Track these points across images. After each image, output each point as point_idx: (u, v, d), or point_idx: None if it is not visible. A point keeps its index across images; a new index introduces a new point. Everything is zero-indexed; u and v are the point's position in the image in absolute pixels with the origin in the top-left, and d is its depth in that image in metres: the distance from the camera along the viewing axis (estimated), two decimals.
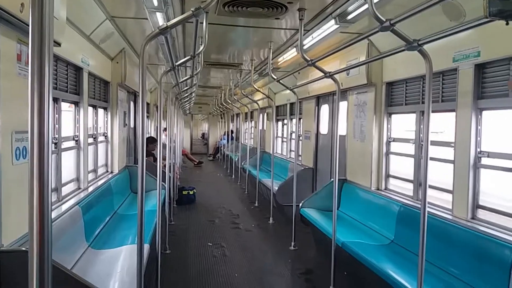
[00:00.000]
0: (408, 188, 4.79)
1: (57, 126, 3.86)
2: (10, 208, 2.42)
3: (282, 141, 10.65)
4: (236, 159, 13.23)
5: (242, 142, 15.27)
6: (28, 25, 2.30)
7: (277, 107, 10.71)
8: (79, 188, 4.60)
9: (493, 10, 1.80)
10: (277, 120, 10.90)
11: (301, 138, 8.30)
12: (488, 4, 1.77)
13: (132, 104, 7.48)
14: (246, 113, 15.58)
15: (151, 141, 8.09)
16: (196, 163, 16.65)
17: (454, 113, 3.78)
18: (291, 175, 7.81)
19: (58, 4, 2.77)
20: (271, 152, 7.88)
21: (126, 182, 6.56)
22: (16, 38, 2.47)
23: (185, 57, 6.08)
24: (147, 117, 10.00)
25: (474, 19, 2.32)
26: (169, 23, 2.35)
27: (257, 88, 7.58)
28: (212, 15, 4.17)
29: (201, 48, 3.79)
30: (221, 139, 20.27)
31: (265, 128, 12.30)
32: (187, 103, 13.94)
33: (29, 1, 0.88)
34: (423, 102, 4.40)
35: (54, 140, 3.75)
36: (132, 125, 7.58)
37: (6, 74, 2.35)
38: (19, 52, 2.51)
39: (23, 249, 2.38)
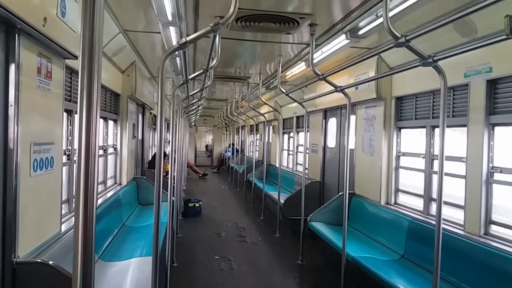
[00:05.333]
0: (415, 204, 4.78)
1: (70, 138, 3.88)
2: (26, 220, 2.43)
3: (288, 154, 10.64)
4: (241, 171, 13.23)
5: (247, 155, 15.28)
6: (50, 40, 2.34)
7: (283, 120, 10.75)
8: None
9: None
10: (284, 133, 10.93)
11: (308, 151, 8.30)
12: (509, 22, 1.79)
13: (140, 116, 7.53)
14: (251, 126, 15.63)
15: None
16: (200, 175, 16.65)
17: (460, 128, 3.80)
18: (297, 188, 7.81)
19: (75, 18, 2.81)
20: (277, 165, 7.87)
21: (134, 194, 6.57)
22: (37, 52, 2.51)
23: (194, 70, 6.15)
24: (154, 129, 10.05)
25: (488, 36, 2.35)
26: (188, 38, 2.39)
27: (264, 101, 7.62)
28: (223, 30, 4.22)
29: (214, 62, 3.84)
30: (225, 151, 20.28)
31: (271, 141, 12.32)
32: (193, 115, 14.01)
33: (80, 32, 0.92)
34: (433, 117, 4.41)
35: (67, 152, 3.77)
36: (140, 137, 7.62)
37: (26, 87, 2.38)
38: (39, 65, 2.55)
39: (39, 260, 2.38)
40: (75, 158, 4.06)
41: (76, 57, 2.93)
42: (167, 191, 4.57)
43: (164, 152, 8.73)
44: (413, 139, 5.08)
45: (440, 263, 2.75)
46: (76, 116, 0.97)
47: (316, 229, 5.60)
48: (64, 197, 3.51)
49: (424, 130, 4.61)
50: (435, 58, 2.62)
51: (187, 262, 5.65)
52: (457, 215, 3.97)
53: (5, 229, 2.26)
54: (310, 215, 5.89)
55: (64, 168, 3.31)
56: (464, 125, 3.77)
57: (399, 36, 2.60)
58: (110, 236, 4.65)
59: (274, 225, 7.46)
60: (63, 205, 3.25)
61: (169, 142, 10.05)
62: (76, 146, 4.07)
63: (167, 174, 7.91)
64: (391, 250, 4.65)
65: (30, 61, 2.44)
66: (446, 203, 4.12)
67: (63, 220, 3.20)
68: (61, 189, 3.05)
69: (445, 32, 3.54)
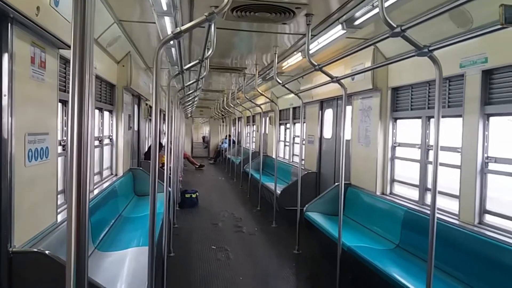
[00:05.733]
0: (411, 194, 4.81)
1: (65, 128, 3.87)
2: (22, 209, 2.43)
3: (285, 145, 10.66)
4: (238, 162, 13.25)
5: (244, 146, 15.29)
6: (43, 29, 2.32)
7: (280, 111, 10.74)
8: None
9: (509, 17, 1.81)
10: (280, 124, 10.93)
11: (304, 142, 8.31)
12: (504, 11, 1.79)
13: (136, 107, 7.50)
14: (248, 117, 15.61)
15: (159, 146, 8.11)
16: (197, 166, 16.67)
17: (455, 119, 3.81)
18: (293, 179, 7.83)
19: (68, 7, 2.79)
20: (274, 156, 7.88)
21: (130, 184, 6.57)
22: (30, 41, 2.49)
23: (189, 61, 6.12)
24: (150, 120, 10.02)
25: (484, 26, 2.35)
26: (182, 28, 2.37)
27: (260, 92, 7.60)
28: (219, 20, 4.20)
29: (209, 52, 3.82)
30: (222, 143, 20.29)
31: (267, 132, 12.32)
32: (189, 106, 13.97)
33: (71, 24, 0.91)
34: (429, 108, 4.42)
35: (62, 143, 3.76)
36: (135, 128, 7.60)
37: (20, 77, 2.37)
38: (33, 54, 2.53)
39: (36, 250, 2.39)
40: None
41: (70, 47, 2.90)
42: (164, 182, 4.57)
43: (160, 143, 8.74)
44: (409, 129, 5.09)
45: (435, 252, 2.78)
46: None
47: (312, 219, 5.63)
48: (60, 188, 3.50)
49: (420, 120, 4.63)
50: (430, 48, 2.61)
51: (184, 252, 5.68)
52: (453, 205, 4.00)
53: (0, 219, 2.26)
54: (306, 206, 5.91)
55: (59, 158, 3.30)
56: (460, 116, 3.78)
57: (395, 26, 2.60)
58: (107, 226, 4.67)
59: (271, 216, 7.50)
60: (59, 196, 3.25)
61: (165, 133, 10.05)
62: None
63: (163, 165, 7.92)
64: (386, 239, 4.69)
65: (24, 50, 2.42)
66: (441, 193, 4.15)
67: (59, 210, 3.20)
68: (56, 180, 3.05)
69: (442, 22, 3.53)
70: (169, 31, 4.04)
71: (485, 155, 3.57)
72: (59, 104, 3.01)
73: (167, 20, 3.80)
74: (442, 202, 4.14)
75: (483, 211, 3.62)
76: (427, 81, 4.37)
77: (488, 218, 3.60)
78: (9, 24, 2.23)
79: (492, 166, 3.55)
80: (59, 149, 3.27)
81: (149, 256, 2.55)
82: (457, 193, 3.85)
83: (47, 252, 2.39)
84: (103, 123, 5.52)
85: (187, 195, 8.84)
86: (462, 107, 3.74)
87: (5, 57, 2.23)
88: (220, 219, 7.86)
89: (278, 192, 7.47)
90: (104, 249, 4.05)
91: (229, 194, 11.16)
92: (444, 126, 4.32)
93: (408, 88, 4.80)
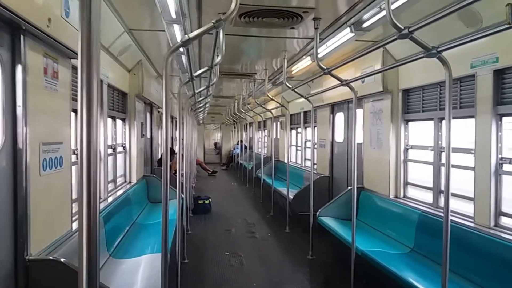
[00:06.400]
0: (425, 197, 4.75)
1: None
2: (37, 218, 2.47)
3: (297, 150, 10.63)
4: (250, 168, 13.25)
5: (256, 151, 15.30)
6: (55, 40, 2.37)
7: (291, 115, 10.74)
8: (100, 198, 4.67)
9: None
10: (291, 129, 10.91)
11: (316, 146, 8.28)
12: (511, 11, 1.77)
13: (148, 115, 7.58)
14: (259, 122, 15.63)
15: (171, 153, 8.17)
16: (210, 172, 16.73)
17: (468, 119, 3.77)
18: (306, 183, 7.80)
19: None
20: (285, 161, 7.87)
21: (143, 192, 6.63)
22: (43, 52, 2.55)
23: (199, 68, 6.17)
24: (162, 127, 10.11)
25: (493, 25, 2.32)
26: (190, 35, 2.40)
27: (271, 97, 7.61)
28: (228, 26, 4.24)
29: (218, 59, 3.84)
30: (234, 149, 20.33)
31: (278, 137, 12.31)
32: (201, 113, 14.05)
33: (79, 32, 0.93)
34: (441, 109, 4.38)
35: (76, 152, 3.82)
36: (148, 135, 7.68)
37: (33, 88, 2.42)
38: (45, 65, 2.58)
39: (51, 258, 2.42)
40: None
41: None
42: (176, 189, 4.60)
43: (172, 149, 8.81)
44: (422, 131, 5.04)
45: (450, 255, 2.73)
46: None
47: (325, 224, 5.60)
48: (74, 196, 3.55)
49: (432, 122, 4.58)
50: (439, 49, 2.59)
51: (198, 258, 5.70)
52: (469, 208, 3.94)
53: (17, 228, 2.31)
54: (319, 210, 5.89)
55: (73, 167, 3.35)
56: (472, 116, 3.74)
57: (402, 28, 2.58)
58: (121, 233, 4.71)
59: (284, 221, 7.48)
60: (73, 204, 3.29)
61: (176, 140, 10.12)
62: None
63: (176, 172, 7.98)
64: (400, 243, 4.64)
65: (36, 61, 2.48)
66: (456, 195, 4.10)
67: (73, 218, 3.24)
68: (71, 188, 3.09)
69: (451, 22, 3.51)
70: (178, 39, 4.08)
71: (499, 156, 3.52)
72: (72, 113, 3.06)
73: (176, 28, 3.84)
74: (458, 205, 4.08)
75: (499, 213, 3.56)
76: (438, 82, 4.33)
77: (504, 220, 3.54)
78: (22, 36, 2.28)
79: (506, 167, 3.49)
80: (73, 158, 3.32)
81: (162, 262, 2.56)
82: (472, 195, 3.79)
83: (62, 259, 2.42)
84: (116, 131, 5.58)
85: (200, 201, 8.88)
86: (474, 108, 3.70)
87: (19, 69, 2.28)
88: (233, 225, 7.86)
89: (291, 197, 7.45)
90: (118, 256, 4.09)
91: (242, 199, 11.17)
92: (458, 128, 4.32)
93: (419, 89, 4.76)
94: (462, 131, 4.32)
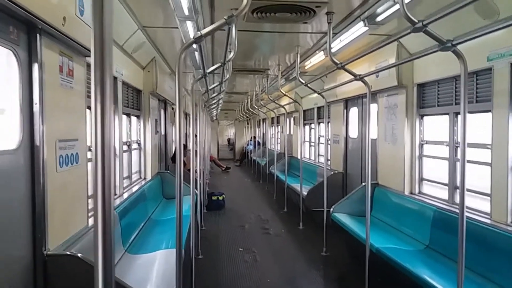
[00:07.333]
0: (440, 193, 4.69)
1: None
2: (55, 214, 2.52)
3: (310, 146, 10.60)
4: (264, 164, 13.26)
5: (269, 147, 15.29)
6: (70, 38, 2.40)
7: (304, 111, 10.70)
8: (115, 194, 4.73)
9: None
10: (305, 125, 10.87)
11: (329, 142, 8.23)
12: None
13: (162, 111, 7.64)
14: (272, 118, 15.60)
15: (184, 149, 8.23)
16: (223, 168, 16.81)
17: (484, 114, 3.70)
18: (319, 179, 7.77)
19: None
20: (299, 157, 7.85)
21: (158, 188, 6.70)
22: (58, 51, 2.59)
23: (212, 64, 6.19)
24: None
25: (510, 17, 2.27)
26: (203, 32, 2.41)
27: (284, 93, 7.60)
28: (240, 22, 4.24)
29: (231, 55, 3.85)
30: (247, 145, 20.36)
31: (292, 133, 12.28)
32: (214, 109, 14.10)
33: (92, 28, 0.94)
34: (456, 103, 4.31)
35: (91, 148, 3.87)
36: (162, 132, 7.74)
37: (50, 85, 2.46)
38: (61, 63, 2.63)
39: (68, 253, 2.47)
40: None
41: None
42: (190, 185, 4.64)
43: (185, 145, 8.86)
44: (438, 126, 4.96)
45: (466, 253, 2.70)
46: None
47: (339, 221, 5.57)
48: (91, 192, 3.60)
49: (447, 116, 4.51)
50: (453, 43, 2.55)
51: (212, 254, 5.74)
52: (486, 204, 3.88)
53: (35, 223, 2.36)
54: (333, 207, 5.86)
55: (89, 164, 3.40)
56: (489, 111, 3.66)
57: (416, 21, 2.55)
58: (136, 229, 4.77)
59: (297, 217, 7.47)
60: (89, 200, 3.35)
61: (189, 136, 10.18)
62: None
63: (190, 168, 8.04)
64: (416, 240, 4.59)
65: (52, 60, 2.52)
66: (472, 191, 4.03)
67: (89, 214, 3.30)
68: (87, 184, 3.14)
69: (466, 15, 3.44)
70: (191, 35, 4.10)
71: None
72: (87, 110, 3.10)
73: (189, 25, 3.86)
74: (474, 201, 4.01)
75: None
76: (454, 76, 4.26)
77: None
78: (38, 35, 2.33)
79: None
80: (89, 154, 3.37)
81: (177, 258, 2.59)
82: (489, 191, 3.73)
83: (79, 255, 2.47)
84: (131, 128, 5.65)
85: (214, 198, 8.93)
86: (490, 102, 3.63)
87: (35, 67, 2.33)
88: (247, 221, 7.89)
89: (304, 193, 7.43)
90: (134, 251, 4.14)
91: (255, 196, 11.19)
92: (474, 122, 4.24)
93: (434, 84, 4.68)
94: (478, 125, 4.25)
